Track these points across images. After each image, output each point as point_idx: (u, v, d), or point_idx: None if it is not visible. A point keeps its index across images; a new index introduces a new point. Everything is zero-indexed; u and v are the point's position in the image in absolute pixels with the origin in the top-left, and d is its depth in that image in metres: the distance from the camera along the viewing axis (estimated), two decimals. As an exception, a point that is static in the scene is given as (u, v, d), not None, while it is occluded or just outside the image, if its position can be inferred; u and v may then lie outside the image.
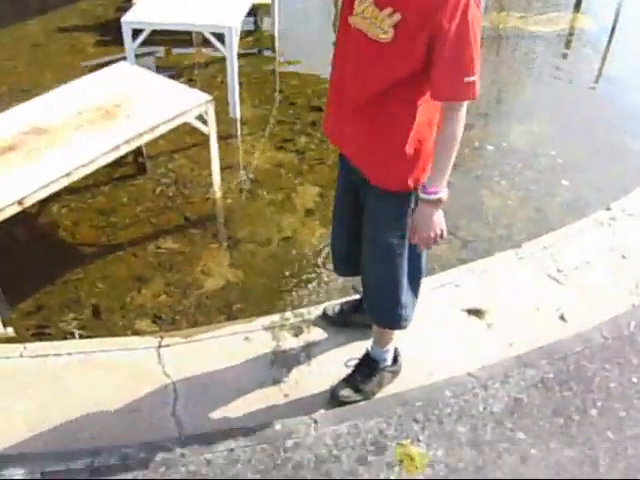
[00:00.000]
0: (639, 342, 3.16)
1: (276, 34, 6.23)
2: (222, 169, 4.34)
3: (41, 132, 3.64)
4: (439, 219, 2.36)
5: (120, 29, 4.79)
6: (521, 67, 6.16)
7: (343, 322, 3.26)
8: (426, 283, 3.46)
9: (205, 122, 4.02)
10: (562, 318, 3.35)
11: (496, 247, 3.90)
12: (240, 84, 5.04)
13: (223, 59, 4.91)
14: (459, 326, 3.31)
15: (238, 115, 5.02)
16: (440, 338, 3.22)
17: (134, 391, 3.00)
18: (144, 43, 4.89)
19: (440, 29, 2.06)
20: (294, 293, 3.63)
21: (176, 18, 4.85)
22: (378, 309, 2.82)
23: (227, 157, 4.55)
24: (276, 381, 3.03)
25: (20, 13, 6.53)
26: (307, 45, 6.14)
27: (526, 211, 4.27)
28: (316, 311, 3.37)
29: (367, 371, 2.95)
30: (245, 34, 6.12)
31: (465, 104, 2.22)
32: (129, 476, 2.52)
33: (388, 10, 2.12)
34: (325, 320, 3.30)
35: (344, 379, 2.97)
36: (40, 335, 3.40)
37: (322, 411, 2.84)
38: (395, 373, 3.02)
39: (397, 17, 2.11)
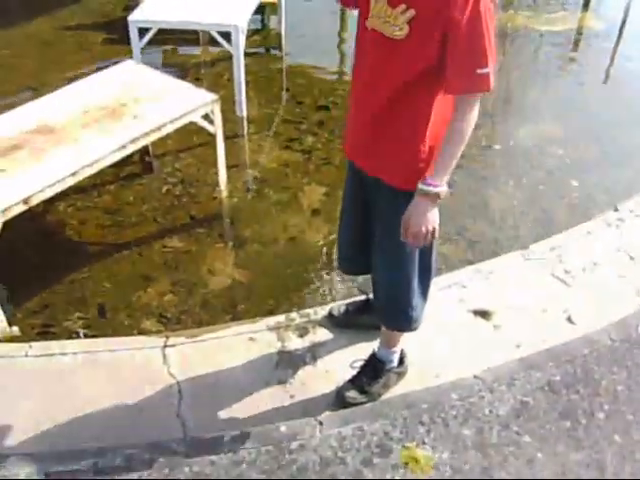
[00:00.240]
0: (647, 345, 3.15)
1: (283, 33, 6.22)
2: (228, 168, 4.34)
3: (47, 131, 3.64)
4: (433, 216, 2.30)
5: (127, 28, 4.78)
6: (529, 66, 6.15)
7: (349, 323, 3.25)
8: (433, 283, 3.46)
9: (211, 121, 4.01)
10: (569, 320, 3.33)
11: (503, 248, 3.88)
12: (247, 83, 5.03)
13: (230, 58, 4.90)
14: (465, 327, 3.30)
15: (245, 114, 5.02)
16: (446, 339, 3.21)
17: (139, 391, 2.99)
18: (151, 41, 4.88)
19: (452, 22, 2.06)
20: (300, 293, 3.63)
21: (183, 17, 4.84)
22: (388, 311, 2.80)
23: (233, 156, 4.54)
24: (281, 382, 3.02)
25: (29, 11, 6.53)
26: (314, 44, 6.13)
27: (533, 212, 4.25)
28: (322, 311, 3.36)
29: (373, 372, 2.94)
30: (252, 32, 6.12)
31: (478, 100, 2.20)
32: (133, 477, 2.51)
33: (402, 7, 2.13)
34: (331, 321, 3.29)
35: (350, 380, 2.96)
36: (45, 334, 3.39)
37: (327, 412, 2.83)
38: (401, 374, 3.00)
39: (411, 13, 2.12)
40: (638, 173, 4.58)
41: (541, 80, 5.91)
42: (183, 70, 5.67)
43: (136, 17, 4.79)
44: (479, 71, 2.11)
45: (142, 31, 4.79)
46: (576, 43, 6.58)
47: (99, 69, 4.42)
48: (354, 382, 2.94)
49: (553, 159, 4.75)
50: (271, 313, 3.43)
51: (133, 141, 3.59)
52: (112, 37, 6.12)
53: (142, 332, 3.39)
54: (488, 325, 3.31)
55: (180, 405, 2.93)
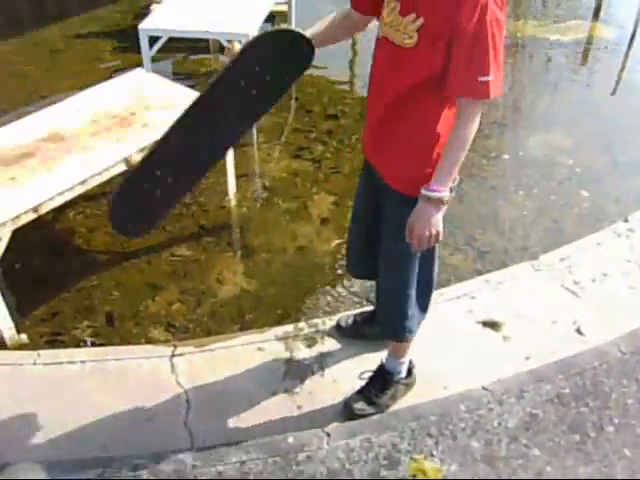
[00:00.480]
0: (658, 357, 3.12)
1: (293, 41, 6.21)
2: (238, 177, 4.34)
3: (57, 139, 3.64)
4: (436, 220, 2.30)
5: (138, 36, 4.80)
6: (539, 75, 6.13)
7: (357, 334, 3.24)
8: (441, 294, 3.49)
9: (221, 130, 4.01)
10: (579, 332, 3.31)
11: (512, 258, 3.87)
12: (256, 91, 5.03)
13: (240, 66, 4.90)
14: (474, 338, 3.28)
15: (254, 123, 5.02)
16: (455, 350, 3.19)
17: (147, 400, 2.99)
18: (161, 49, 4.90)
19: (459, 28, 2.08)
20: (308, 303, 3.62)
21: (193, 26, 4.85)
22: (384, 316, 2.83)
23: (243, 165, 4.55)
24: (289, 392, 3.01)
25: (39, 19, 6.56)
26: (323, 53, 6.05)
27: (543, 222, 4.23)
28: (330, 322, 3.35)
29: (381, 384, 2.93)
30: (262, 41, 6.10)
31: (480, 107, 2.19)
32: (140, 487, 2.52)
33: (412, 16, 2.15)
34: (339, 331, 3.28)
35: (358, 391, 2.95)
36: (54, 342, 3.40)
37: (335, 424, 2.81)
38: (409, 386, 2.99)
39: (420, 21, 2.14)
40: (649, 183, 4.57)
41: (551, 89, 5.90)
42: (193, 78, 5.69)
43: (146, 26, 4.81)
44: (481, 78, 2.11)
45: (152, 40, 4.80)
46: (586, 52, 6.57)
47: (110, 77, 4.42)
48: (362, 393, 2.93)
49: (563, 169, 4.74)
50: (279, 323, 3.43)
51: (143, 150, 3.58)
52: (123, 45, 6.14)
53: (150, 341, 3.39)
54: (497, 336, 3.29)
55: (188, 414, 2.93)
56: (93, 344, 3.39)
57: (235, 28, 4.78)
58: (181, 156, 2.51)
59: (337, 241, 4.00)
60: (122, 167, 3.53)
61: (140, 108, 3.92)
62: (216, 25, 4.84)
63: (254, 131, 4.99)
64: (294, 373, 3.09)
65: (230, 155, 4.16)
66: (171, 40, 4.90)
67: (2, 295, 3.26)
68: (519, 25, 6.92)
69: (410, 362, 2.98)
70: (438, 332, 3.27)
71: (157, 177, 2.50)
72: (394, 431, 2.72)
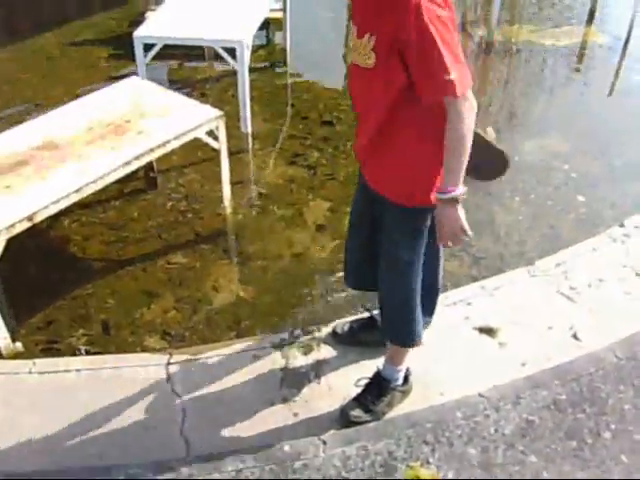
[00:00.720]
0: (654, 363, 3.12)
1: (288, 48, 6.24)
2: (233, 184, 4.34)
3: (52, 147, 3.64)
4: (457, 217, 2.34)
5: (133, 43, 4.80)
6: (534, 81, 6.14)
7: (353, 341, 3.23)
8: (438, 300, 3.46)
9: (216, 137, 4.01)
10: (575, 337, 3.31)
11: (508, 264, 3.86)
12: (252, 98, 5.04)
13: (235, 73, 4.91)
14: (471, 344, 3.28)
15: (249, 130, 5.02)
16: (451, 356, 3.19)
17: (142, 409, 2.99)
18: (156, 57, 4.90)
19: (404, 41, 2.13)
20: (304, 310, 3.61)
21: (187, 33, 4.86)
22: (391, 325, 2.82)
23: (238, 172, 4.55)
24: (285, 400, 3.00)
25: (36, 26, 6.56)
26: (319, 59, 6.15)
27: (539, 227, 4.23)
28: (326, 329, 3.35)
29: (378, 391, 2.92)
30: (257, 48, 6.13)
31: (461, 103, 2.19)
32: (136, 496, 2.51)
33: (366, 36, 2.23)
34: (335, 338, 3.28)
35: (354, 398, 2.94)
36: (49, 350, 3.39)
37: (331, 432, 2.81)
38: (406, 393, 2.98)
39: (373, 40, 2.21)
40: (644, 188, 4.57)
41: (546, 94, 5.91)
42: (188, 86, 5.69)
43: (141, 33, 4.81)
44: (445, 77, 2.13)
45: (147, 47, 4.81)
46: (581, 57, 6.59)
47: (105, 84, 4.42)
48: (358, 400, 2.92)
49: (559, 174, 4.74)
50: (275, 330, 3.42)
51: (138, 157, 3.59)
52: (118, 52, 6.15)
53: (146, 349, 3.39)
54: (493, 342, 3.29)
55: (184, 423, 2.92)
56: (89, 352, 3.38)
57: (229, 35, 4.79)
58: None
59: (333, 247, 4.00)
60: (117, 175, 3.54)
61: (135, 115, 3.91)
62: (211, 32, 4.85)
63: (249, 138, 4.99)
64: (290, 381, 3.08)
65: (225, 162, 4.16)
66: (166, 47, 4.90)
67: (-3, 304, 3.26)
68: (514, 30, 6.93)
69: (407, 369, 2.98)
70: (434, 338, 3.25)
71: None
72: (390, 438, 2.71)
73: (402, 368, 2.92)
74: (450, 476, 2.59)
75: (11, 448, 2.80)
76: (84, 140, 3.71)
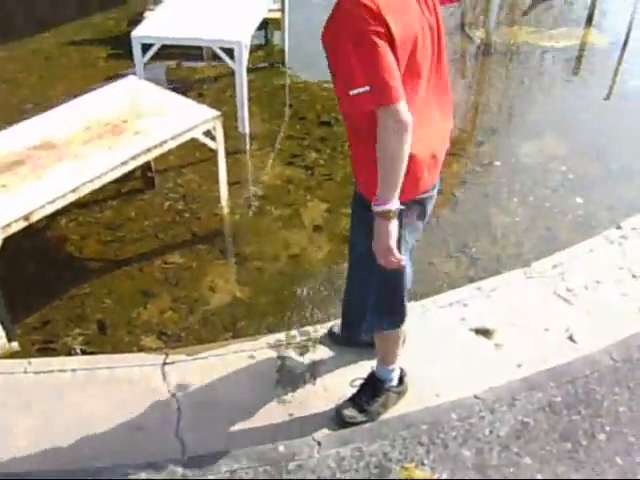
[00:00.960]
0: (649, 365, 3.12)
1: (286, 49, 6.24)
2: (230, 184, 4.34)
3: (49, 147, 3.64)
4: (388, 233, 2.29)
5: (131, 43, 4.80)
6: (532, 82, 6.14)
7: (349, 341, 3.23)
8: (434, 301, 3.50)
9: (213, 138, 4.01)
10: (571, 339, 3.31)
11: (505, 266, 3.86)
12: (250, 99, 5.04)
13: (233, 73, 4.91)
14: (467, 346, 3.28)
15: (247, 130, 5.02)
16: (447, 358, 3.19)
17: (138, 408, 2.98)
18: (155, 57, 4.90)
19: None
20: (300, 311, 3.61)
21: (186, 33, 4.86)
22: (344, 312, 2.89)
23: (235, 172, 4.55)
24: (281, 400, 3.00)
25: (34, 26, 6.57)
26: (317, 60, 6.06)
27: (536, 229, 4.23)
28: (322, 329, 3.35)
29: (372, 391, 2.92)
30: (255, 48, 6.12)
31: (387, 117, 2.15)
32: (130, 497, 2.50)
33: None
34: (331, 339, 3.28)
35: (349, 399, 2.94)
36: (45, 350, 3.39)
37: (326, 432, 2.81)
38: (401, 394, 2.98)
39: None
40: (642, 190, 4.57)
41: (544, 96, 5.91)
42: (186, 86, 5.69)
43: (139, 33, 4.81)
44: (352, 92, 2.13)
45: (146, 47, 4.80)
46: (579, 59, 6.59)
47: (103, 84, 4.41)
48: (353, 401, 2.92)
49: (556, 176, 4.75)
50: (271, 331, 3.42)
51: (134, 157, 3.59)
52: (117, 52, 6.15)
53: (142, 349, 3.39)
54: (489, 344, 3.29)
55: (179, 423, 2.92)
56: (85, 352, 3.38)
57: (228, 35, 4.79)
58: None
59: (329, 248, 4.00)
60: (114, 175, 3.53)
61: (132, 115, 3.91)
62: (209, 32, 4.84)
63: (247, 138, 4.99)
64: (286, 381, 3.08)
65: (222, 163, 4.16)
66: (164, 47, 4.90)
67: (-7, 303, 3.26)
68: (513, 32, 6.94)
69: (402, 370, 2.98)
70: (430, 339, 3.27)
71: None
72: (385, 440, 2.71)
73: (395, 368, 2.92)
74: (444, 477, 2.59)
75: (5, 448, 2.80)
76: (81, 140, 3.70)
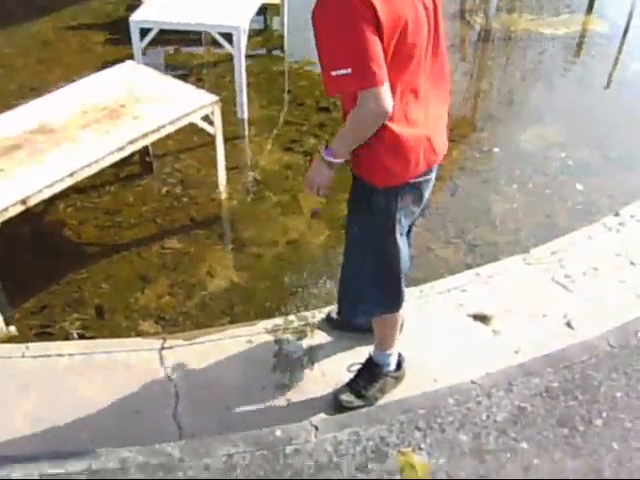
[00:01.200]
0: (646, 351, 3.12)
1: (285, 34, 6.22)
2: (228, 170, 4.33)
3: (46, 131, 3.63)
4: (327, 176, 2.48)
5: (129, 28, 4.77)
6: (532, 69, 6.11)
7: (346, 326, 3.23)
8: (432, 287, 3.50)
9: (211, 123, 4.00)
10: (569, 325, 3.31)
11: (504, 252, 3.86)
12: (248, 84, 5.02)
13: (232, 58, 4.89)
14: (464, 332, 3.28)
15: (246, 116, 5.00)
16: (445, 344, 3.19)
17: (135, 392, 2.99)
18: (153, 42, 4.88)
19: None
20: (298, 296, 3.61)
21: (184, 18, 4.83)
22: (340, 294, 2.87)
23: (234, 158, 4.53)
24: (278, 385, 3.01)
25: (31, 11, 6.53)
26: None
27: (535, 216, 4.23)
28: (320, 315, 3.35)
29: (370, 376, 2.93)
30: (254, 33, 6.10)
31: (367, 99, 2.16)
32: (127, 480, 2.51)
33: None
34: (329, 324, 3.28)
35: (347, 384, 2.95)
36: (43, 335, 3.39)
37: (323, 417, 2.82)
38: (398, 379, 2.99)
39: None
40: (641, 177, 4.56)
41: (544, 83, 5.89)
42: (185, 71, 5.66)
43: (137, 17, 4.79)
44: (333, 73, 2.14)
45: (144, 31, 4.78)
46: (580, 46, 6.56)
47: (101, 69, 4.39)
48: (351, 386, 2.93)
49: (556, 163, 4.73)
50: (269, 316, 3.42)
51: (132, 142, 3.58)
52: (115, 37, 6.11)
53: (140, 334, 3.39)
54: (487, 330, 3.29)
55: (176, 407, 2.93)
56: (82, 337, 3.38)
57: (226, 21, 4.76)
58: None
59: (327, 234, 3.99)
60: (111, 160, 3.52)
61: (130, 100, 3.90)
62: (208, 17, 4.82)
63: (245, 124, 4.97)
64: (283, 366, 3.09)
65: (221, 148, 4.14)
66: (163, 32, 4.87)
67: (-9, 288, 3.26)
68: (513, 19, 6.90)
69: (400, 355, 2.98)
70: (428, 325, 3.28)
71: None
72: (382, 424, 2.71)
73: (392, 352, 2.93)
74: (442, 462, 2.59)
75: (3, 431, 2.80)
76: (79, 124, 3.69)
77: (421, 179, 2.47)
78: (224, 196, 4.29)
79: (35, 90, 5.06)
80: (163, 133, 3.73)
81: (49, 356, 3.17)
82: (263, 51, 6.14)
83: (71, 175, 3.37)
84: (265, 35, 6.40)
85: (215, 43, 5.17)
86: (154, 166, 4.54)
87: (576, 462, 2.62)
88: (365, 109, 2.18)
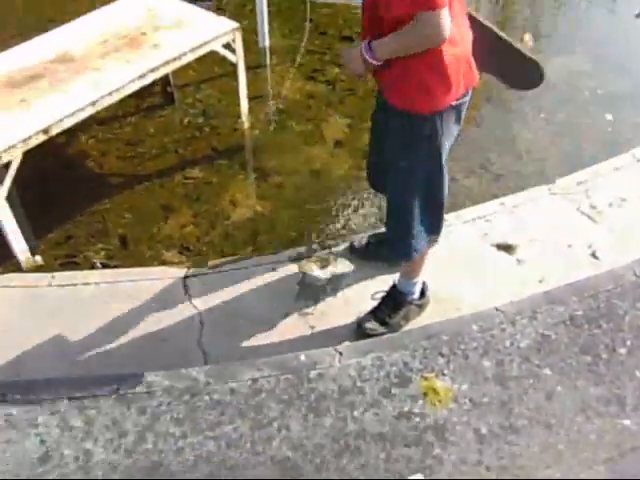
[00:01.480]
0: (673, 281, 3.09)
1: (307, -39, 6.05)
2: (250, 99, 4.28)
3: (66, 60, 3.59)
4: (356, 65, 2.39)
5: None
6: (561, -3, 5.94)
7: (370, 255, 3.23)
8: (457, 216, 3.48)
9: (233, 50, 3.93)
10: (594, 255, 3.29)
11: (529, 182, 3.80)
12: (270, 13, 4.91)
13: (253, -14, 4.79)
14: (488, 261, 3.27)
15: (267, 44, 4.92)
16: (468, 273, 3.19)
17: (161, 320, 3.03)
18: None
19: None
20: (321, 225, 3.60)
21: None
22: (389, 232, 2.81)
23: (256, 87, 4.47)
24: (302, 312, 3.03)
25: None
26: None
27: (561, 146, 4.15)
28: (343, 244, 3.35)
29: (394, 304, 2.94)
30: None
31: (427, 20, 2.11)
32: (154, 403, 2.55)
33: None
34: (352, 253, 3.28)
35: (370, 312, 2.96)
36: (68, 264, 3.42)
37: (347, 343, 2.83)
38: (422, 307, 3.00)
39: None
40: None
41: (572, 12, 5.71)
42: (205, 0, 5.55)
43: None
44: None
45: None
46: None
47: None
48: (374, 313, 2.94)
49: (583, 93, 4.62)
50: (292, 245, 3.42)
51: (153, 70, 3.53)
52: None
53: (164, 263, 3.40)
54: (511, 259, 3.28)
55: (201, 335, 2.96)
56: (107, 266, 3.40)
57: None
58: None
59: (350, 163, 3.95)
60: (132, 88, 3.49)
61: (151, 28, 3.84)
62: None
63: (267, 52, 4.89)
64: (307, 293, 3.11)
65: (242, 77, 4.09)
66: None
67: (16, 219, 3.27)
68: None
69: (423, 284, 2.98)
70: (452, 254, 3.26)
71: None
72: (406, 350, 2.73)
73: (417, 281, 2.92)
74: (464, 388, 2.61)
75: (32, 357, 2.86)
76: (99, 53, 3.65)
77: (461, 101, 2.43)
78: (246, 126, 4.24)
79: (53, 22, 4.99)
80: (184, 61, 3.68)
81: (75, 285, 3.21)
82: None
83: (93, 104, 3.34)
84: (286, -38, 6.24)
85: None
86: (175, 96, 4.49)
87: (599, 389, 2.63)
88: (424, 30, 2.14)
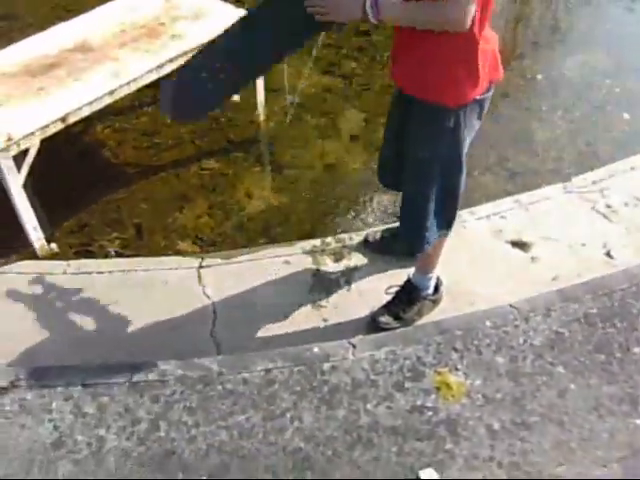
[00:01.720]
0: (687, 281, 3.08)
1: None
2: (267, 92, 4.27)
3: (84, 50, 3.60)
4: (351, 9, 2.21)
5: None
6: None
7: (384, 249, 3.23)
8: (472, 213, 3.47)
9: (251, 43, 3.93)
10: (608, 255, 3.27)
11: (544, 180, 3.79)
12: (287, 5, 4.91)
13: (271, -21, 4.77)
14: (502, 258, 3.26)
15: (284, 37, 4.91)
16: (483, 269, 3.18)
17: (174, 310, 3.04)
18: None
19: None
20: (336, 219, 3.61)
21: None
22: (402, 224, 2.79)
23: (272, 80, 4.47)
24: (315, 305, 3.03)
25: None
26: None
27: (577, 144, 4.13)
28: (357, 237, 3.35)
29: (408, 298, 2.94)
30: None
31: (451, 9, 2.09)
32: (167, 392, 2.56)
33: None
34: (366, 246, 3.28)
35: (384, 306, 2.96)
36: (83, 253, 3.44)
37: (360, 336, 2.83)
38: (436, 302, 2.99)
39: None
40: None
41: (591, 9, 5.69)
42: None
43: None
44: None
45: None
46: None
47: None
48: (388, 308, 2.94)
49: (601, 91, 4.60)
50: (307, 237, 3.42)
51: (171, 60, 3.53)
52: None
53: (178, 253, 3.42)
54: (526, 256, 3.27)
55: (214, 325, 2.97)
56: (121, 255, 3.42)
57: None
58: (240, 54, 2.49)
59: (365, 157, 3.95)
60: (150, 78, 3.50)
61: (169, 19, 3.84)
62: None
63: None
64: (320, 286, 3.11)
65: (260, 69, 4.09)
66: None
67: (32, 207, 3.29)
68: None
69: (438, 279, 2.98)
70: (467, 250, 3.26)
71: (215, 69, 2.48)
72: (419, 344, 2.73)
73: (432, 276, 2.92)
74: (477, 383, 2.61)
75: (46, 344, 2.88)
76: (117, 43, 3.66)
77: (485, 95, 2.42)
78: (262, 118, 4.25)
79: (71, 12, 5.00)
80: (202, 52, 3.68)
81: (90, 273, 3.23)
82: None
83: (110, 93, 3.35)
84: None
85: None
86: (192, 88, 4.50)
87: (612, 388, 2.62)
88: (452, 14, 2.10)
